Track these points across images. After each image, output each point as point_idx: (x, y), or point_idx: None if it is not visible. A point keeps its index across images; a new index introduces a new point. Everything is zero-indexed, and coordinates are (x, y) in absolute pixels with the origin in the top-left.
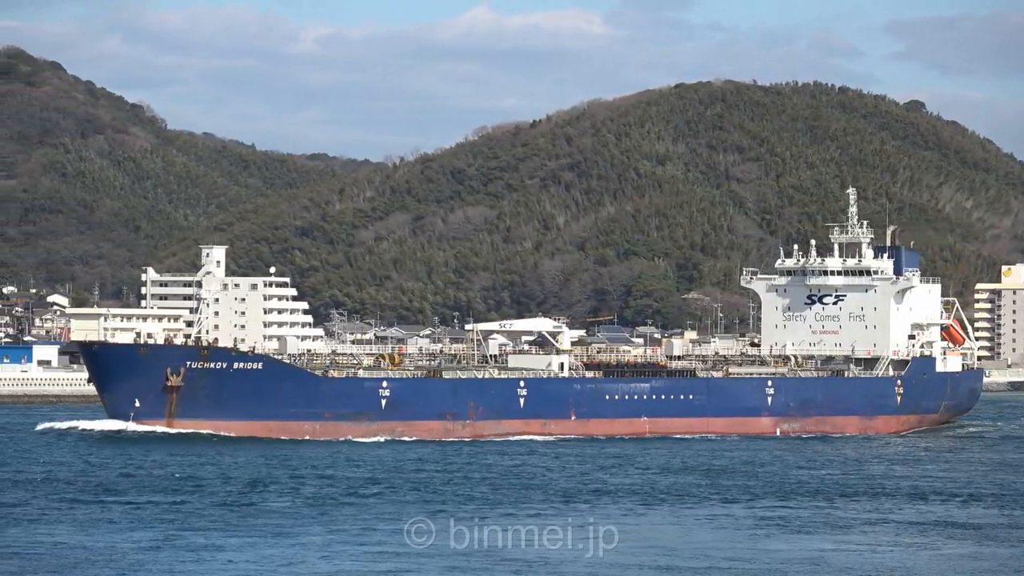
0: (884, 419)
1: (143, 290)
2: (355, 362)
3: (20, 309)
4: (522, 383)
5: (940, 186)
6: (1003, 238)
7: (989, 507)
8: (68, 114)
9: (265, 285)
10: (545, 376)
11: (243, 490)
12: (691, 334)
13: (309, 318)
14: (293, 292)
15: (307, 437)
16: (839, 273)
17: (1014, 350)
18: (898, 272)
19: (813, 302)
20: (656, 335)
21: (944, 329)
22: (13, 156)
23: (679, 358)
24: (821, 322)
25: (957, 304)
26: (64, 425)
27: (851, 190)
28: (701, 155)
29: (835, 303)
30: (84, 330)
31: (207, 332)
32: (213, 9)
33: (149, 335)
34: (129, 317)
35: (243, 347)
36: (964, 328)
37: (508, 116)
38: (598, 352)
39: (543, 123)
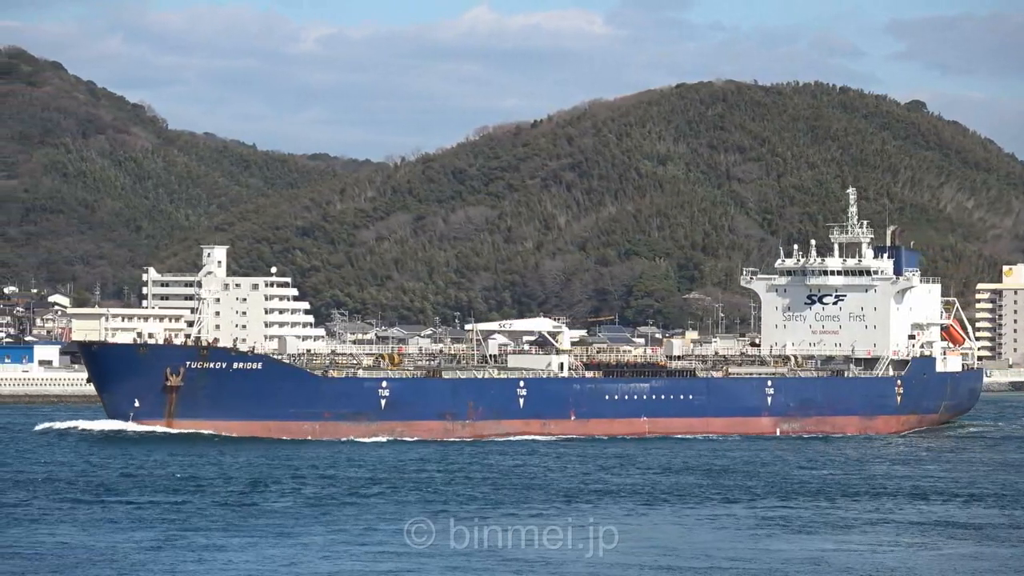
0: (884, 419)
1: (144, 290)
2: (355, 362)
3: (21, 309)
4: (522, 383)
5: (941, 186)
6: (1004, 238)
7: (990, 507)
8: (69, 114)
9: (266, 285)
10: (545, 376)
11: (244, 490)
12: (692, 334)
13: (310, 318)
14: (294, 292)
15: (307, 437)
16: (839, 273)
17: (1015, 350)
18: (898, 272)
19: (813, 302)
20: (657, 335)
21: (944, 329)
22: (14, 156)
23: (679, 358)
24: (821, 322)
25: (957, 304)
26: (63, 425)
27: (851, 190)
28: (702, 155)
29: (835, 303)
30: (85, 330)
31: (208, 332)
32: (214, 9)
33: (150, 335)
34: (130, 317)
35: (243, 347)
36: (964, 328)
37: (509, 116)
38: (598, 352)
39: (544, 123)
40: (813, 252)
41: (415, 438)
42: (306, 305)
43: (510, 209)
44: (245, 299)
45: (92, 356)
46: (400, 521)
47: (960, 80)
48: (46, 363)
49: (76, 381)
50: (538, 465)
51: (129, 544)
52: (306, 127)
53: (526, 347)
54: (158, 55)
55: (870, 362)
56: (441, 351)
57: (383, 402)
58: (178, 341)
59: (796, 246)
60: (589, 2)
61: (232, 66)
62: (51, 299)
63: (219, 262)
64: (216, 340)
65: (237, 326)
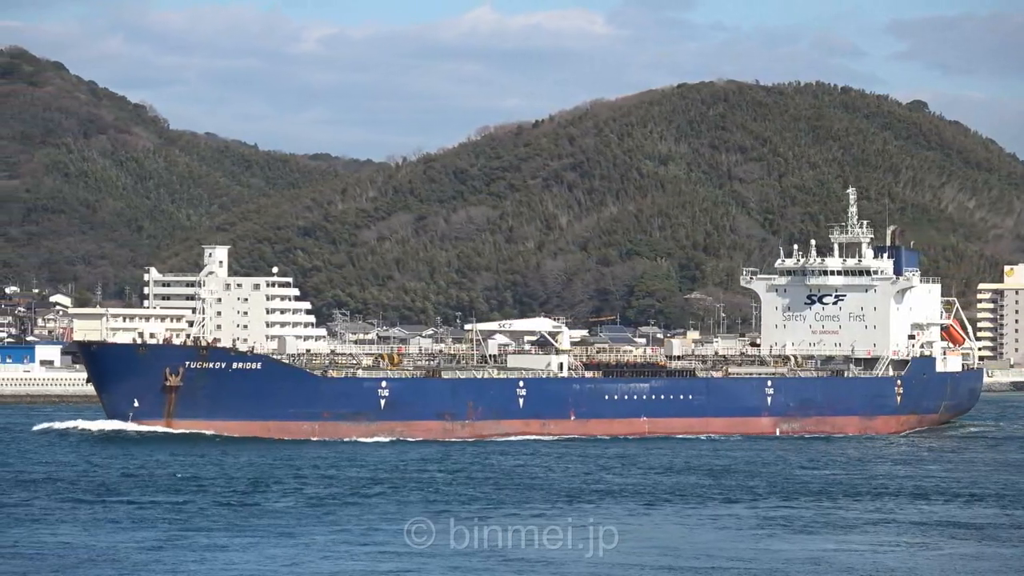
0: (884, 419)
1: (146, 290)
2: (354, 362)
3: (23, 309)
4: (521, 383)
5: (943, 186)
6: (1006, 238)
7: (992, 507)
8: (70, 114)
9: (268, 285)
10: (544, 376)
11: (245, 490)
12: (694, 334)
13: (311, 318)
14: (296, 292)
15: (306, 437)
16: (839, 273)
17: (1016, 350)
18: (898, 272)
19: (813, 302)
20: (659, 335)
21: (944, 329)
22: (16, 156)
23: (679, 358)
24: (821, 322)
25: (957, 304)
26: (62, 425)
27: (851, 190)
28: (703, 155)
29: (835, 303)
30: (87, 330)
31: (209, 332)
32: (215, 9)
33: (152, 335)
34: (132, 317)
35: (244, 347)
36: (964, 328)
37: (510, 116)
38: (598, 352)
39: (545, 123)
40: (813, 252)
41: (414, 438)
42: (307, 305)
43: (511, 209)
44: (246, 299)
45: (91, 356)
46: (402, 521)
47: (961, 80)
48: (47, 363)
49: (77, 381)
50: (539, 465)
51: (131, 544)
52: (307, 127)
53: (527, 347)
54: (159, 55)
55: (870, 362)
56: (441, 351)
57: (382, 402)
58: (178, 341)
59: (796, 246)
60: (590, 2)
61: (233, 66)
62: (52, 299)
63: (220, 262)
64: (216, 340)
65: (238, 326)
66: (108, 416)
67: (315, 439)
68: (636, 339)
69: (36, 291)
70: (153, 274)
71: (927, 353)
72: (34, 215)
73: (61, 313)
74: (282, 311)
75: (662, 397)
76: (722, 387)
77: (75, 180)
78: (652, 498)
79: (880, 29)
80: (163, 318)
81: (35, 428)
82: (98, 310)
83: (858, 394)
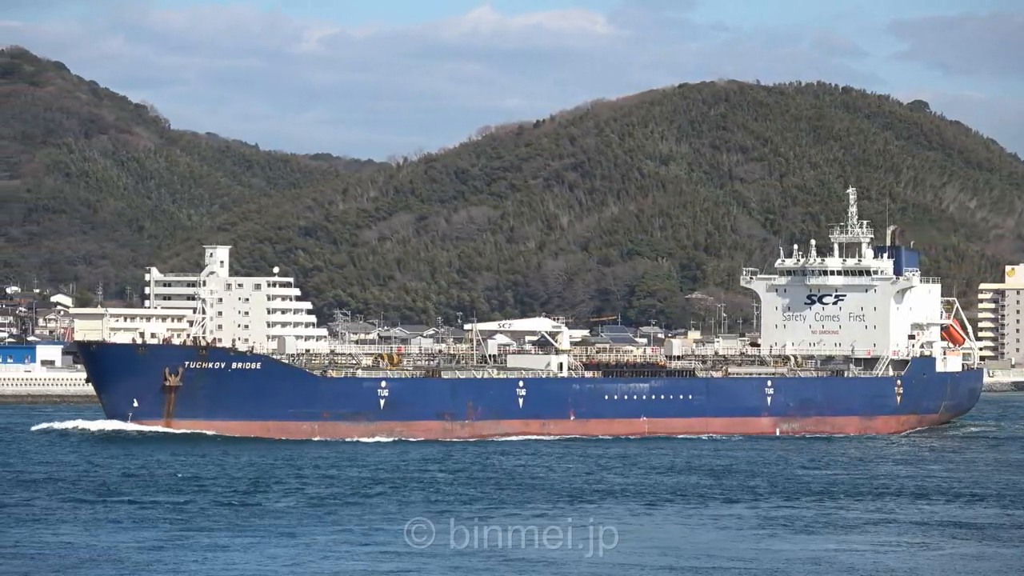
0: (884, 419)
1: (147, 290)
2: (354, 362)
3: (24, 309)
4: (521, 383)
5: (944, 186)
6: (1007, 238)
7: (993, 507)
8: (72, 114)
9: (269, 285)
10: (544, 376)
11: (247, 490)
12: (695, 334)
13: (312, 318)
14: (297, 292)
15: (305, 437)
16: (839, 273)
17: (1018, 350)
18: (898, 272)
19: (813, 302)
20: (660, 335)
21: (944, 329)
22: (17, 156)
23: (678, 358)
24: (821, 322)
25: (957, 304)
26: (61, 425)
27: (851, 190)
28: (704, 155)
29: (835, 303)
30: (88, 330)
31: (210, 332)
32: (216, 8)
33: (153, 335)
34: (133, 317)
35: (244, 347)
36: (964, 328)
37: (511, 116)
38: (597, 352)
39: (546, 123)
40: (813, 252)
41: (413, 438)
42: (308, 305)
43: (512, 209)
44: (247, 299)
45: (91, 356)
46: (403, 521)
47: (962, 80)
48: (48, 363)
49: (78, 381)
50: (540, 465)
51: (132, 544)
52: (309, 127)
53: (528, 347)
54: (160, 55)
55: (870, 362)
56: (440, 351)
57: (382, 402)
58: (178, 341)
59: (796, 246)
60: (591, 2)
61: (235, 66)
62: (53, 299)
63: (221, 262)
64: (216, 340)
65: (239, 326)
66: (107, 416)
67: (315, 439)
68: (637, 339)
69: (37, 291)
70: (154, 274)
71: (927, 353)
72: (35, 215)
73: (62, 313)
74: (283, 311)
75: (662, 397)
76: (722, 387)
77: (76, 180)
78: (653, 498)
79: (881, 29)
80: (164, 318)
81: (33, 428)
82: (99, 310)
83: (858, 394)
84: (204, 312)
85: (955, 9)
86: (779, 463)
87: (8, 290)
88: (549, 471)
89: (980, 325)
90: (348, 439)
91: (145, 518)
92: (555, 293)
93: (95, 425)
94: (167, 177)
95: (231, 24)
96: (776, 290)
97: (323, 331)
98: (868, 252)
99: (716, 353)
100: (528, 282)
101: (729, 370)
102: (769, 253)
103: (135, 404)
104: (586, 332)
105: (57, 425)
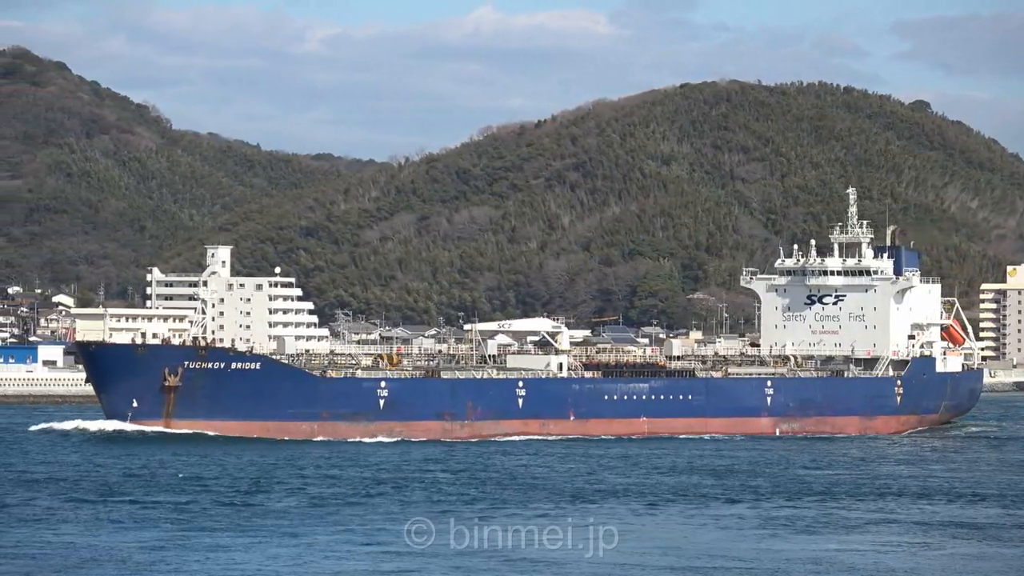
0: (884, 419)
1: (148, 290)
2: (353, 362)
3: (25, 309)
4: (520, 383)
5: (945, 186)
6: (1008, 238)
7: (994, 507)
8: (73, 114)
9: (270, 285)
10: (544, 376)
11: (248, 490)
12: (696, 334)
13: (314, 318)
14: (298, 292)
15: (305, 437)
16: (839, 273)
17: (1019, 350)
18: (898, 272)
19: (813, 302)
20: (661, 335)
21: (944, 329)
22: (18, 156)
23: (678, 358)
24: (821, 322)
25: (957, 304)
26: (60, 426)
27: (851, 190)
28: (706, 155)
29: (835, 303)
30: (89, 330)
31: (210, 333)
32: (218, 8)
33: (154, 335)
34: (134, 317)
35: (245, 347)
36: (964, 328)
37: (513, 116)
38: (597, 352)
39: (548, 123)
40: (813, 252)
41: (413, 438)
42: (310, 305)
43: (514, 209)
44: (249, 299)
45: (90, 356)
46: (405, 521)
47: (964, 80)
48: (50, 363)
49: (80, 381)
50: (541, 465)
51: (133, 544)
52: (310, 127)
53: (528, 348)
54: (162, 55)
55: (870, 362)
56: (440, 351)
57: (381, 402)
58: (177, 341)
59: (796, 246)
60: (593, 2)
61: (236, 66)
62: (55, 299)
63: (223, 262)
64: (216, 340)
65: (241, 326)
66: (107, 416)
67: (315, 439)
68: (639, 339)
69: (39, 291)
70: (156, 274)
71: (927, 353)
72: (37, 215)
73: (64, 313)
74: (284, 311)
75: (661, 397)
76: (722, 387)
77: (78, 180)
78: (654, 498)
79: (882, 29)
80: (166, 318)
81: (32, 428)
82: (100, 310)
83: (858, 394)
84: (204, 312)
85: (957, 9)
86: (781, 463)
87: (10, 290)
88: (550, 471)
89: (981, 325)
90: (347, 439)
91: (147, 518)
92: (557, 293)
93: (95, 425)
94: (169, 177)
95: (232, 24)
96: (776, 290)
97: (324, 331)
98: (868, 252)
99: (716, 353)
100: (530, 282)
101: (729, 370)
102: (771, 253)
103: (134, 404)
104: (588, 332)
105: (56, 425)
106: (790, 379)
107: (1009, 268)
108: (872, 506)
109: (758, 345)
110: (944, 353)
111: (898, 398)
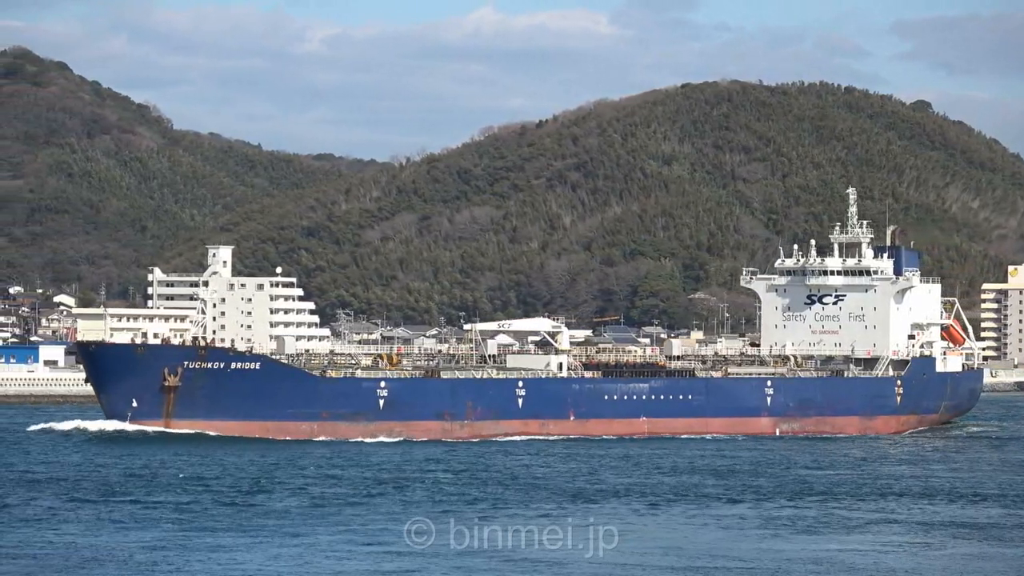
0: (884, 419)
1: (149, 290)
2: (353, 362)
3: (26, 309)
4: (520, 383)
5: (946, 186)
6: (1009, 238)
7: (995, 507)
8: (74, 114)
9: (271, 285)
10: (544, 376)
11: (249, 490)
12: (697, 334)
13: (315, 318)
14: (299, 292)
15: (305, 437)
16: (839, 273)
17: (1020, 350)
18: (898, 272)
19: (813, 302)
20: (663, 335)
21: (944, 329)
22: (19, 156)
23: (678, 358)
24: (821, 322)
25: (958, 304)
26: (60, 426)
27: (851, 190)
28: (707, 155)
29: (835, 303)
30: (90, 330)
31: (211, 332)
32: (219, 9)
33: (155, 335)
34: (135, 317)
35: (244, 347)
36: (964, 328)
37: (514, 116)
38: (597, 352)
39: (549, 123)
40: (813, 252)
41: (413, 438)
42: (311, 305)
43: (515, 209)
44: (250, 299)
45: (90, 356)
46: (405, 521)
47: (965, 80)
48: (51, 363)
49: (81, 381)
50: (542, 465)
51: (135, 544)
52: (311, 127)
53: (529, 347)
54: (163, 55)
55: (870, 362)
56: (440, 351)
57: (381, 402)
58: (177, 341)
59: (796, 246)
60: (594, 2)
61: (237, 66)
62: (56, 299)
63: (224, 262)
64: (215, 340)
65: (242, 326)
66: (106, 416)
67: (315, 439)
68: (640, 339)
69: (40, 291)
70: (157, 274)
71: (927, 353)
72: (38, 215)
73: (65, 313)
74: (286, 311)
75: (661, 397)
76: (721, 387)
77: (79, 180)
78: (655, 498)
79: (884, 29)
80: (167, 318)
81: (30, 428)
82: (101, 310)
83: (858, 394)
84: (204, 312)
85: (958, 9)
86: (782, 463)
87: (11, 290)
88: (551, 471)
89: (983, 325)
90: (347, 439)
91: (148, 518)
92: (558, 293)
93: (94, 425)
94: (170, 177)
95: (233, 24)
96: (776, 290)
97: (326, 331)
98: (868, 252)
99: (716, 353)
100: (531, 282)
101: (729, 370)
102: (772, 253)
103: (134, 404)
104: (589, 332)
105: (56, 426)
106: (790, 379)
107: (1010, 268)
108: (873, 506)
109: (758, 345)
110: (944, 353)
111: (898, 398)
